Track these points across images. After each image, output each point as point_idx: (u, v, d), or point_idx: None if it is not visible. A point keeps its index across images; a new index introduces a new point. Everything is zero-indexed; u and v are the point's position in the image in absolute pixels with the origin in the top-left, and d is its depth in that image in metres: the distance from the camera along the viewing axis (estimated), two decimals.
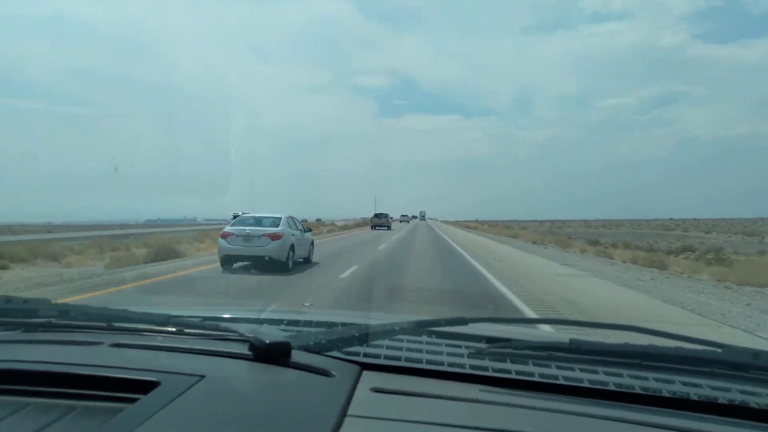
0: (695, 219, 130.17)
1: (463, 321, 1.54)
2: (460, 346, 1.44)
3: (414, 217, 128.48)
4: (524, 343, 1.44)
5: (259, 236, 12.35)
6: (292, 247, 12.99)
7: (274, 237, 12.35)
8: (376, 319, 2.05)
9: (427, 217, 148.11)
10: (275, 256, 12.23)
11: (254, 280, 10.93)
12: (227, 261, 12.68)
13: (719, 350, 1.35)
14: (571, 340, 1.35)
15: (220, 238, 12.89)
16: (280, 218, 13.29)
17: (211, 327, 1.50)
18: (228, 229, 12.83)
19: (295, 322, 1.79)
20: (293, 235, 13.36)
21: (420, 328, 1.50)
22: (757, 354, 1.30)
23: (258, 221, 13.17)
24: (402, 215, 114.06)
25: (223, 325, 1.51)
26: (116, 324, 1.52)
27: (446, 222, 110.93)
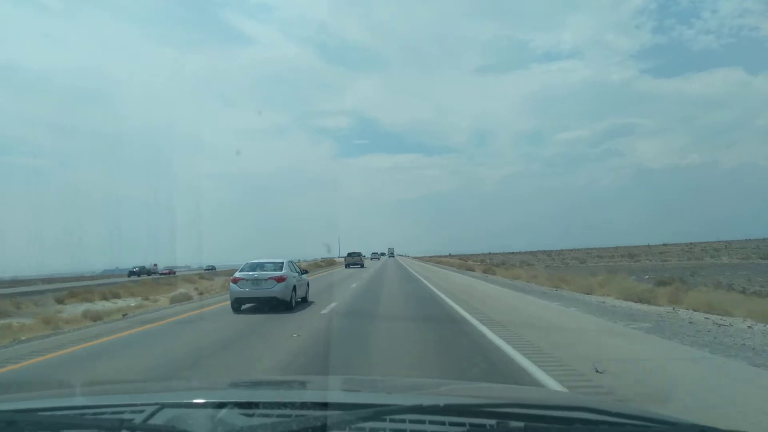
0: (661, 244, 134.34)
1: (420, 409, 1.57)
2: None
3: (383, 254, 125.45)
4: (479, 429, 1.46)
5: (266, 279, 13.94)
6: (294, 288, 14.60)
7: (279, 279, 13.96)
8: (334, 390, 2.16)
9: (396, 253, 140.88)
10: (281, 297, 13.80)
11: (264, 317, 12.50)
12: (238, 303, 14.14)
13: (668, 427, 1.42)
14: (525, 425, 1.39)
15: (231, 283, 14.42)
16: (282, 262, 14.91)
17: (164, 429, 1.46)
18: (238, 274, 14.38)
19: (253, 405, 1.70)
20: (294, 276, 14.98)
21: (378, 415, 1.48)
22: (703, 430, 1.36)
23: (262, 266, 14.75)
24: (372, 253, 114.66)
25: (177, 425, 1.45)
26: None
27: (419, 258, 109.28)
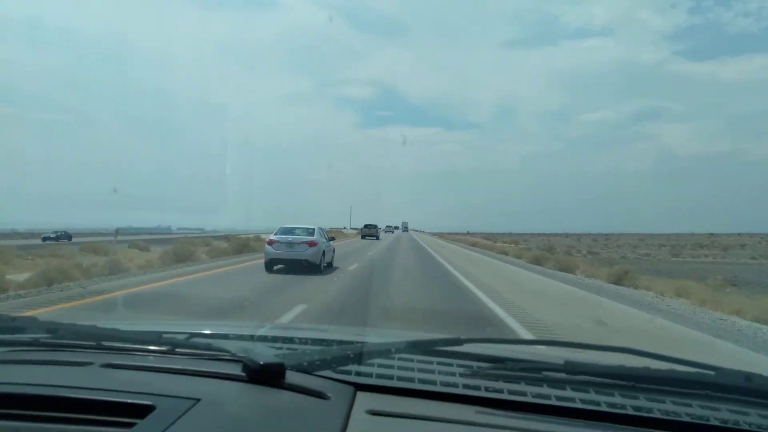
0: (690, 233, 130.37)
1: (458, 341, 1.54)
2: (452, 365, 1.45)
3: (397, 227, 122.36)
4: (518, 364, 1.46)
5: (299, 243, 15.16)
6: (323, 253, 15.82)
7: (311, 244, 15.19)
8: (370, 336, 2.15)
9: (410, 228, 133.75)
10: (311, 260, 15.04)
11: (295, 277, 13.75)
12: (271, 263, 15.40)
13: (712, 373, 1.39)
14: (566, 362, 1.38)
15: (266, 245, 15.70)
16: (314, 229, 16.12)
17: (203, 346, 1.49)
18: (273, 237, 15.64)
19: (290, 340, 1.76)
20: (323, 242, 16.17)
21: (413, 347, 1.50)
22: (749, 377, 1.34)
23: (295, 231, 15.96)
24: (387, 226, 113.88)
25: (216, 344, 1.49)
26: (106, 343, 1.50)
27: (436, 235, 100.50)
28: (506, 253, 31.17)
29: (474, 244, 46.97)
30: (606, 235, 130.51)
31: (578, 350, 1.77)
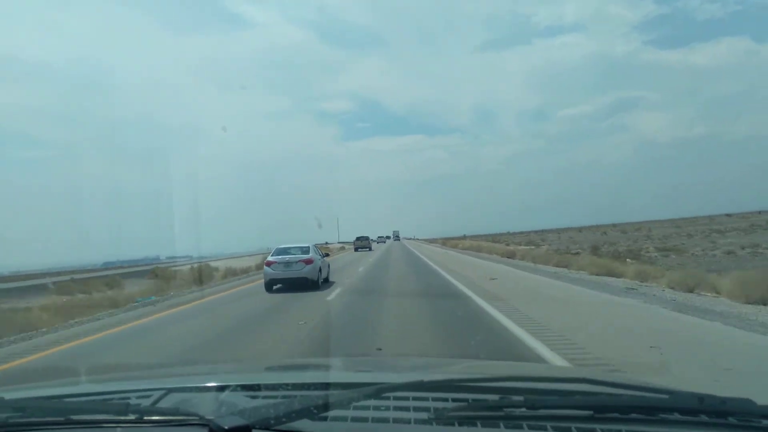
0: (671, 219, 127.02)
1: (421, 385, 1.64)
2: (409, 410, 1.51)
3: (388, 237, 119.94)
4: (480, 404, 1.52)
5: (296, 262, 15.83)
6: (320, 269, 16.49)
7: (308, 262, 15.86)
8: (342, 373, 2.23)
9: (401, 236, 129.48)
10: (310, 277, 15.70)
11: (293, 294, 14.36)
12: (271, 284, 16.04)
13: (666, 396, 1.46)
14: (526, 398, 1.43)
15: (265, 266, 16.36)
16: (308, 247, 16.81)
17: (170, 411, 1.52)
18: (271, 258, 16.31)
19: (256, 387, 1.81)
20: (319, 259, 16.85)
21: (379, 392, 1.54)
22: (701, 398, 1.38)
23: (291, 250, 16.62)
24: (378, 237, 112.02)
25: (184, 405, 1.54)
26: (74, 417, 1.51)
27: (430, 242, 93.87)
28: (511, 256, 25.41)
29: (479, 249, 36.77)
30: (634, 224, 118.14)
31: (540, 383, 1.82)
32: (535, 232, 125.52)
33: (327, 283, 17.56)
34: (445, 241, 72.43)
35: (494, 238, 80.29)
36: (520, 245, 40.39)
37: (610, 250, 29.88)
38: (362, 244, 60.22)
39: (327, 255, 19.41)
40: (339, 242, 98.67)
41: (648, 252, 30.61)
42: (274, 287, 16.15)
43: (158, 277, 24.11)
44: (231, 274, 26.21)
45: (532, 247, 35.61)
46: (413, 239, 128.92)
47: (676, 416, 1.37)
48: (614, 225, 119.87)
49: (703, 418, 1.36)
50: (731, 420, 1.35)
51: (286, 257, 16.12)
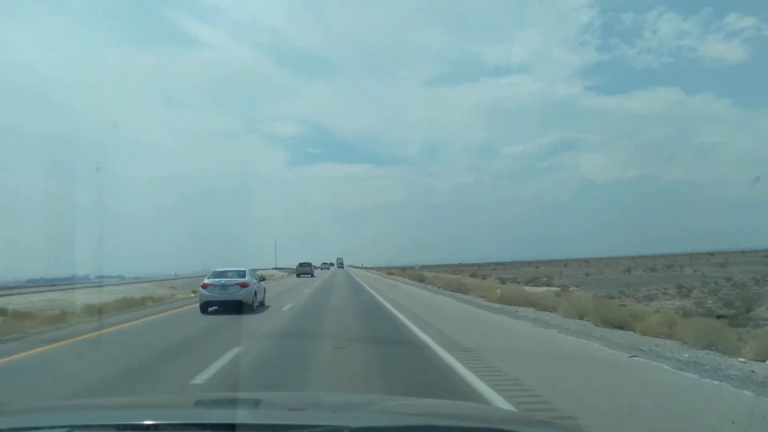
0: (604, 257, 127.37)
1: (339, 430, 1.61)
2: None
3: (332, 264, 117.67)
4: None
5: (232, 285, 16.37)
6: (255, 293, 17.09)
7: (243, 285, 16.43)
8: (245, 410, 2.26)
9: (345, 264, 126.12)
10: (245, 300, 16.22)
11: (229, 317, 14.90)
12: (206, 305, 16.47)
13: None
14: None
15: (200, 288, 16.82)
16: (245, 271, 17.38)
17: None
18: (207, 280, 16.79)
19: (158, 427, 1.79)
20: (254, 283, 17.46)
21: None
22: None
23: (228, 273, 17.13)
24: (322, 263, 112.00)
25: None
26: None
27: (377, 269, 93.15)
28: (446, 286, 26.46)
29: (433, 283, 32.82)
30: (575, 260, 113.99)
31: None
32: (479, 264, 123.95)
33: (262, 306, 18.17)
34: (393, 270, 69.81)
35: (446, 269, 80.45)
36: (472, 277, 42.61)
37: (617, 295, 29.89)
38: (304, 270, 58.99)
39: (263, 279, 20.03)
40: (276, 268, 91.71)
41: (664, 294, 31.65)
42: (210, 309, 16.62)
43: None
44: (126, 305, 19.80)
45: (484, 278, 39.25)
46: (360, 267, 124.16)
47: None
48: (559, 261, 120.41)
49: None
50: None
51: (222, 280, 16.62)
